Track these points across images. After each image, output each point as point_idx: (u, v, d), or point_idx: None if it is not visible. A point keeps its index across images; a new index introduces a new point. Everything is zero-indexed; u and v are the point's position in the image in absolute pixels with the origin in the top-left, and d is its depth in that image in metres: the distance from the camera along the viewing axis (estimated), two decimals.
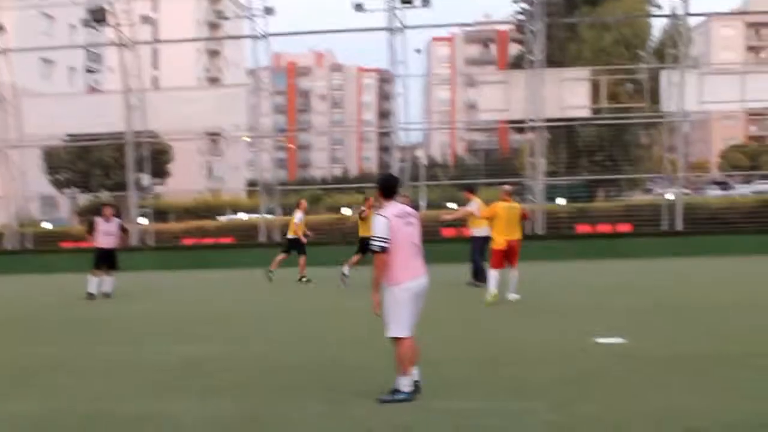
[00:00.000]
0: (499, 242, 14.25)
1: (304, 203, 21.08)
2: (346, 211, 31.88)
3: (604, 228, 27.41)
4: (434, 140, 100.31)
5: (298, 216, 20.46)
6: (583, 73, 29.32)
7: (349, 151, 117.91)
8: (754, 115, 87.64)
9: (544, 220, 27.38)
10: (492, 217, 14.49)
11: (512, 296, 14.35)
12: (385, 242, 7.09)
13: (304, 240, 20.51)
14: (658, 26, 42.48)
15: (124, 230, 18.71)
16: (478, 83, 29.28)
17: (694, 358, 8.90)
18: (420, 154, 42.82)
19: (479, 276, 16.92)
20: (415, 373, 7.36)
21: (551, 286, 17.40)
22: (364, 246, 17.60)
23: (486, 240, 15.73)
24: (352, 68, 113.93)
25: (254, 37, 30.06)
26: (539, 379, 8.02)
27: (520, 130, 37.72)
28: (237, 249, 28.37)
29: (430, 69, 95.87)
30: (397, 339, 7.22)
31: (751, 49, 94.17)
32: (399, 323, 7.18)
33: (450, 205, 31.75)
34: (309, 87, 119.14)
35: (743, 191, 45.54)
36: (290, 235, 20.59)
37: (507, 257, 14.29)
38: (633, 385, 7.67)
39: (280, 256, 20.74)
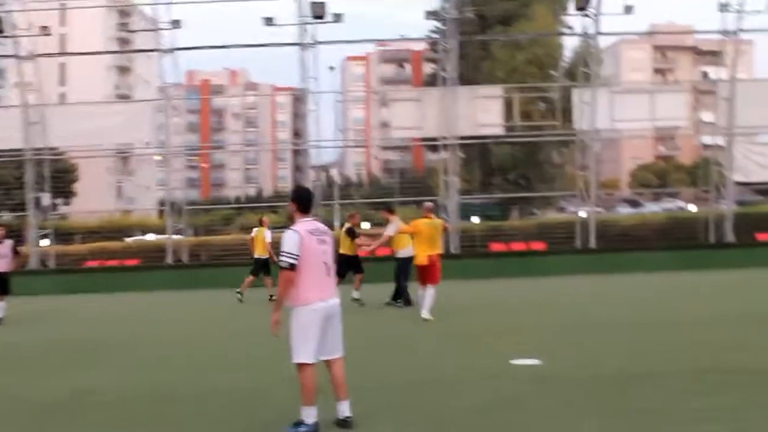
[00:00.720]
0: (421, 258, 14.26)
1: (267, 220, 20.37)
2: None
3: (518, 246, 27.32)
4: (349, 160, 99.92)
5: (268, 234, 19.65)
6: (496, 90, 29.25)
7: (263, 171, 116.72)
8: (661, 137, 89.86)
9: (458, 239, 27.11)
10: (414, 233, 14.54)
11: (426, 315, 14.15)
12: (294, 259, 6.62)
13: (274, 259, 19.76)
14: (569, 47, 43.00)
15: (17, 252, 17.63)
16: (391, 101, 28.86)
17: (610, 379, 8.61)
18: (334, 173, 42.26)
19: (400, 297, 16.76)
20: (344, 408, 6.90)
21: (466, 306, 17.06)
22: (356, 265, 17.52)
23: (410, 260, 15.54)
24: (266, 87, 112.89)
25: (162, 51, 29.14)
26: (454, 407, 7.60)
27: (434, 149, 37.61)
28: (143, 271, 27.29)
29: (344, 88, 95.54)
30: (300, 365, 6.70)
31: (658, 71, 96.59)
32: (303, 348, 6.68)
33: (363, 224, 31.20)
34: (223, 105, 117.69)
35: (653, 209, 46.39)
36: (258, 255, 19.74)
37: (429, 273, 14.23)
38: (548, 411, 7.31)
39: (249, 278, 19.91)
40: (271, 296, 19.16)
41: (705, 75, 78.39)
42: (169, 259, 28.28)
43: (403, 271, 16.65)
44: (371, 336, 12.88)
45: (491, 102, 27.56)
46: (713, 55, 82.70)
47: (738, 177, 28.15)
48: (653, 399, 7.61)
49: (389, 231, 16.49)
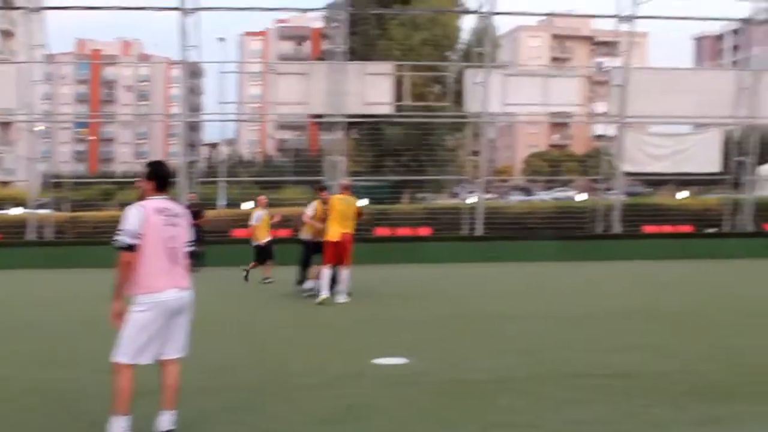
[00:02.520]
0: (333, 234, 13.90)
1: (263, 199, 18.85)
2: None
3: (403, 231, 26.38)
4: (244, 138, 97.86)
5: (256, 215, 18.31)
6: (386, 67, 28.12)
7: (155, 146, 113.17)
8: (556, 124, 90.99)
9: None
10: (329, 211, 14.20)
11: (342, 298, 14.02)
12: (133, 238, 5.57)
13: (261, 243, 18.40)
14: (467, 29, 42.37)
15: None
16: (277, 75, 27.35)
17: (478, 384, 7.72)
18: (222, 149, 40.65)
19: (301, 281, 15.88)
20: (166, 420, 5.77)
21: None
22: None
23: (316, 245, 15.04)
24: (160, 59, 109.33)
25: (29, 9, 26.90)
26: (296, 419, 6.53)
27: (328, 129, 36.47)
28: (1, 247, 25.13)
29: (242, 64, 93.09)
30: (117, 365, 5.61)
31: (555, 60, 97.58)
32: (129, 346, 5.61)
33: (246, 205, 29.75)
34: (114, 77, 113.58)
35: (544, 197, 46.33)
36: (254, 242, 18.45)
37: (340, 252, 13.92)
38: (400, 425, 6.37)
39: (252, 264, 18.60)
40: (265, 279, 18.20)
41: (600, 65, 79.32)
42: (32, 235, 26.24)
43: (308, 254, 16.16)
44: (228, 326, 11.80)
45: (381, 79, 26.46)
46: (609, 46, 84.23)
47: (628, 167, 27.92)
48: (521, 409, 6.76)
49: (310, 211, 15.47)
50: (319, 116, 27.58)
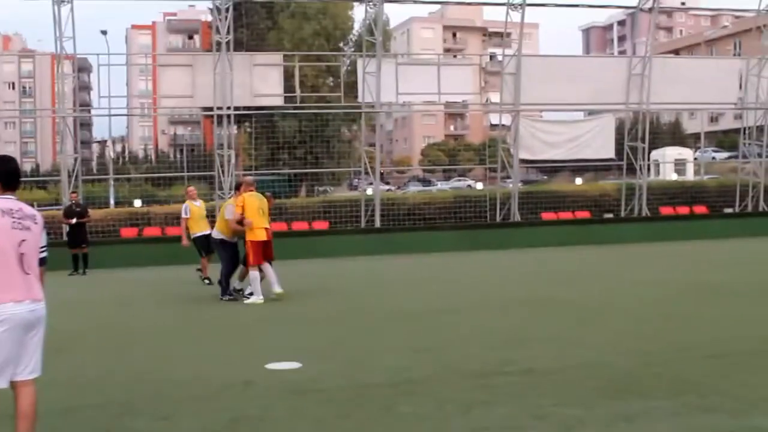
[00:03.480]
0: (260, 233, 13.29)
1: (191, 190, 17.21)
2: None
3: (300, 226, 25.62)
4: (136, 135, 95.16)
5: (184, 207, 16.82)
6: (275, 58, 27.24)
7: (43, 145, 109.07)
8: (451, 114, 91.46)
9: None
10: (244, 210, 13.35)
11: (278, 289, 13.46)
12: None
13: (184, 241, 17.01)
14: (358, 20, 41.87)
15: None
16: (161, 68, 26.13)
17: (377, 389, 7.12)
18: (109, 146, 39.07)
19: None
20: None
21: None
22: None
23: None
24: (44, 54, 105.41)
25: None
26: None
27: (219, 123, 35.41)
28: None
29: (129, 58, 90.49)
30: None
31: (448, 51, 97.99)
32: None
33: (137, 202, 28.57)
34: None
35: (443, 187, 46.28)
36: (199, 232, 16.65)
37: (268, 248, 13.54)
38: None
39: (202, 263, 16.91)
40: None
41: (492, 57, 79.97)
42: None
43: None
44: (106, 336, 10.87)
45: (269, 70, 25.56)
46: (501, 37, 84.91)
47: (524, 155, 27.85)
48: (426, 415, 6.20)
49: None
50: (209, 109, 26.46)
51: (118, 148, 78.56)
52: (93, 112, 23.94)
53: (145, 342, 10.20)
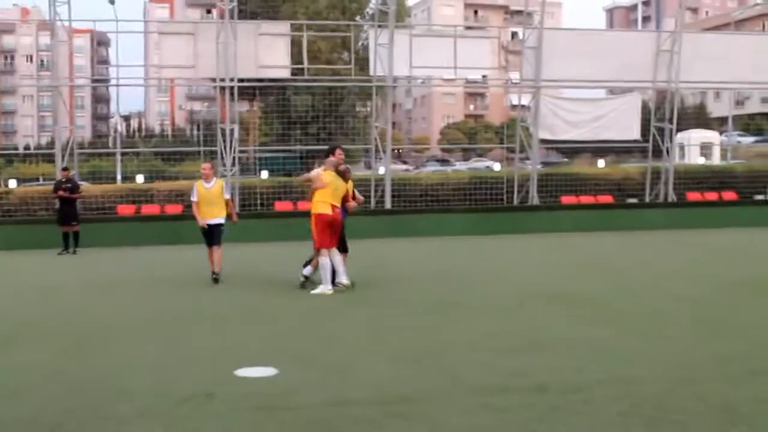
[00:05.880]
0: (322, 207, 12.24)
1: (206, 167, 14.09)
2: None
3: (305, 206, 24.27)
4: (153, 110, 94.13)
5: (193, 188, 13.96)
6: (282, 27, 25.67)
7: (61, 119, 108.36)
8: (472, 94, 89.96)
9: (237, 197, 23.74)
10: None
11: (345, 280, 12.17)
12: None
13: (199, 222, 13.94)
14: None
15: None
16: (161, 36, 24.63)
17: (362, 406, 5.91)
18: (115, 120, 38.03)
19: None
20: None
21: (230, 278, 13.76)
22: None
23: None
24: (63, 27, 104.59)
25: None
26: None
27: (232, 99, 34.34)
28: None
29: (147, 32, 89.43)
30: None
31: (468, 29, 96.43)
32: None
33: (139, 178, 27.37)
34: (13, 46, 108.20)
35: (461, 168, 44.89)
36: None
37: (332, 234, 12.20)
38: None
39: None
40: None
41: (514, 35, 78.23)
42: None
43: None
44: (58, 326, 9.66)
45: (275, 40, 24.12)
46: (523, 15, 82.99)
47: (545, 134, 26.35)
48: None
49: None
50: (212, 80, 25.13)
51: (134, 123, 77.66)
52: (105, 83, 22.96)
53: (109, 337, 8.93)
